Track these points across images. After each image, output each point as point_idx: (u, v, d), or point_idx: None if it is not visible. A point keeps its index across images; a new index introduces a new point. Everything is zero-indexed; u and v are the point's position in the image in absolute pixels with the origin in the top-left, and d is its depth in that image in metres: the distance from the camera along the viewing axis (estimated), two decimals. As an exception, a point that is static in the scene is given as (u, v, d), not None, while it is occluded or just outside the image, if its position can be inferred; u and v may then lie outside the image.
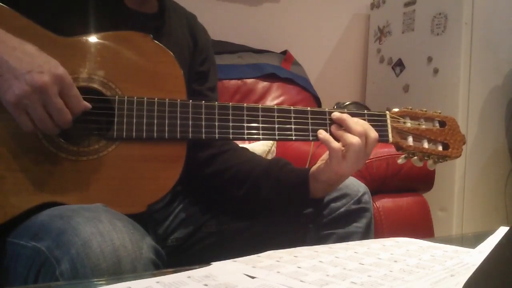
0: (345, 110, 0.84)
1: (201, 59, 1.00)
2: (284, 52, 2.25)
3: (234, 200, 0.94)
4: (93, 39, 0.78)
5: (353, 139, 0.78)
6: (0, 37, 0.68)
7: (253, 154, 0.99)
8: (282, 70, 2.12)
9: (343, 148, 0.79)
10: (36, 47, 0.70)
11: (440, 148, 0.88)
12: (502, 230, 0.65)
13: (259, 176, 0.90)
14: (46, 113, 0.68)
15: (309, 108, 0.84)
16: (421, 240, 0.66)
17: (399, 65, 2.30)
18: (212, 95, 1.01)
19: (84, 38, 0.77)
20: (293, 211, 0.91)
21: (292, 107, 0.83)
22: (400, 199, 1.54)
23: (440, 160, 0.88)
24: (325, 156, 0.84)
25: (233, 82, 1.97)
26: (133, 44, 0.80)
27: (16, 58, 0.67)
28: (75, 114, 0.71)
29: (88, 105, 0.73)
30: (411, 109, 0.89)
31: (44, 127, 0.69)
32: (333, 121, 0.83)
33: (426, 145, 0.87)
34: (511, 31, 2.05)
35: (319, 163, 0.85)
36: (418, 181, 1.58)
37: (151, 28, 0.85)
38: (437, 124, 0.89)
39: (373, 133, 0.81)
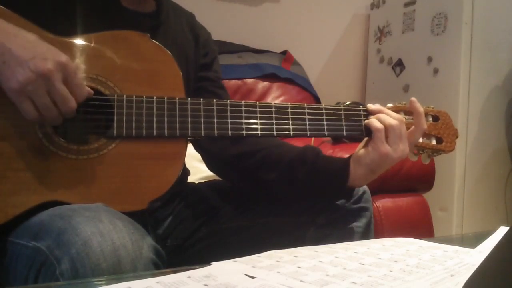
0: (341, 106, 0.85)
1: (204, 52, 1.01)
2: (284, 52, 2.25)
3: (263, 184, 0.92)
4: (90, 38, 0.78)
5: (392, 121, 0.82)
6: (0, 26, 0.68)
7: (282, 140, 0.98)
8: (282, 70, 2.12)
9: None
10: (36, 35, 0.69)
11: (434, 142, 0.90)
12: (502, 230, 0.65)
13: (294, 160, 0.89)
14: (51, 100, 0.68)
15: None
16: (421, 240, 0.66)
17: (399, 65, 2.30)
18: (218, 80, 1.02)
19: (82, 38, 0.78)
20: (326, 200, 0.90)
21: (288, 104, 0.84)
22: (400, 199, 1.54)
23: (434, 154, 0.90)
24: (362, 144, 0.86)
25: (233, 82, 1.97)
26: (131, 43, 0.80)
27: (18, 45, 0.66)
28: (79, 102, 0.71)
29: (91, 91, 0.73)
30: (405, 104, 0.90)
31: (48, 114, 0.68)
32: (368, 113, 0.86)
33: (420, 139, 0.88)
34: (511, 31, 2.05)
35: (359, 149, 0.85)
36: (418, 181, 1.58)
37: (146, 27, 0.85)
38: (431, 119, 0.91)
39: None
